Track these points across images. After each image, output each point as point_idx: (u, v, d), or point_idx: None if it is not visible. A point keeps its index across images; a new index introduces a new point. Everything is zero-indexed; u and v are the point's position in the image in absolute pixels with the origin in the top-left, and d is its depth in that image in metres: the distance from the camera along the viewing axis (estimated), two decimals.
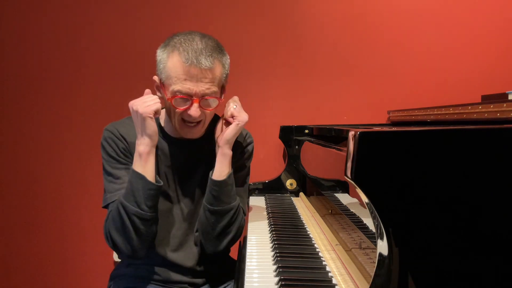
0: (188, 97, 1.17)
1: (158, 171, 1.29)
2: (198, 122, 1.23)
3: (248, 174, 1.44)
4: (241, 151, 1.39)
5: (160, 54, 1.21)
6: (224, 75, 1.24)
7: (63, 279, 2.13)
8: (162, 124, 1.33)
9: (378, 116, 2.01)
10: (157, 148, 1.28)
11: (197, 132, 1.26)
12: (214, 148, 1.33)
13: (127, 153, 1.26)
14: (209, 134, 1.34)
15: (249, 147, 1.41)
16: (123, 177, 1.24)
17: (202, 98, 1.18)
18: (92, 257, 2.08)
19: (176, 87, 1.16)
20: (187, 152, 1.32)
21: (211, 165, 1.32)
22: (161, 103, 1.23)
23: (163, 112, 1.33)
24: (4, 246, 2.12)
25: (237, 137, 1.34)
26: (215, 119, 1.38)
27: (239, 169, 1.38)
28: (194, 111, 1.17)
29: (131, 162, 1.23)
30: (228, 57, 1.26)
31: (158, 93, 1.26)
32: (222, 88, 1.27)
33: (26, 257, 2.12)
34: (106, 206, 1.25)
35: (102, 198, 1.27)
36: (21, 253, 2.12)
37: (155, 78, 1.25)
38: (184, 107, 1.18)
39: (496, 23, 2.00)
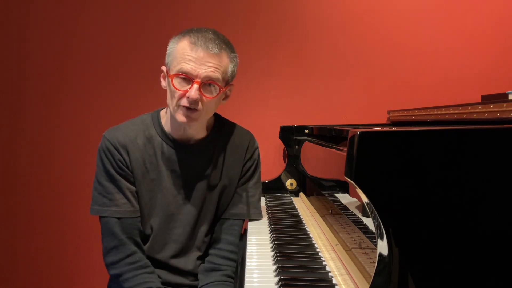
0: (190, 78, 1.16)
1: (160, 176, 1.28)
2: (196, 110, 1.18)
3: (258, 181, 1.43)
4: (248, 158, 1.38)
5: (171, 42, 1.22)
6: (230, 71, 1.23)
7: (63, 279, 2.13)
8: (164, 125, 1.29)
9: (378, 116, 2.01)
10: (160, 151, 1.27)
11: (193, 119, 1.19)
12: (217, 153, 1.32)
13: (124, 166, 1.23)
14: (213, 138, 1.33)
15: (255, 154, 1.40)
16: (114, 193, 1.22)
17: (204, 82, 1.16)
18: (92, 257, 2.08)
19: (180, 66, 1.16)
20: (190, 156, 1.29)
21: (214, 169, 1.31)
22: (167, 93, 1.23)
23: (164, 112, 1.32)
24: (4, 246, 2.12)
25: (241, 142, 1.35)
26: (222, 123, 1.38)
27: (249, 178, 1.39)
28: (194, 92, 1.14)
29: (126, 176, 1.23)
30: (237, 57, 1.26)
31: (164, 83, 1.25)
32: (227, 84, 1.25)
33: (26, 257, 2.12)
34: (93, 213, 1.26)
35: (90, 203, 1.26)
36: (21, 253, 2.12)
37: (163, 68, 1.25)
38: (184, 89, 1.16)
39: (496, 23, 2.00)
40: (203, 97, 1.17)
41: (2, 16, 2.05)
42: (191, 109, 1.17)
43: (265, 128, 2.00)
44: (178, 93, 1.17)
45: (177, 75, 1.16)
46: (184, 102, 1.17)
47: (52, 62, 2.05)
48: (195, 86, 1.15)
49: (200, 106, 1.18)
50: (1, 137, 2.09)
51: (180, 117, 1.18)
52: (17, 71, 2.06)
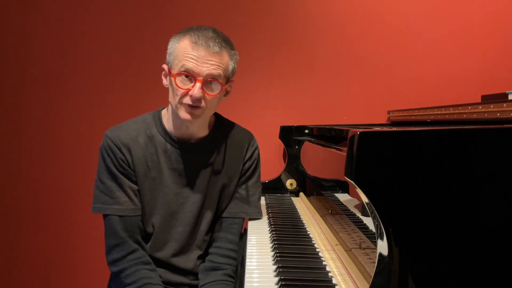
0: (192, 76, 1.17)
1: (162, 175, 1.28)
2: (199, 107, 1.19)
3: (258, 180, 1.43)
4: (249, 157, 1.39)
5: (172, 41, 1.23)
6: (231, 67, 1.24)
7: (64, 279, 2.13)
8: (165, 124, 1.30)
9: (378, 116, 2.01)
10: (161, 150, 1.28)
11: (197, 116, 1.20)
12: (218, 152, 1.33)
13: (125, 165, 1.24)
14: (213, 137, 1.33)
15: (255, 153, 1.41)
16: (116, 191, 1.23)
17: (206, 80, 1.17)
18: (92, 257, 2.08)
19: (182, 64, 1.17)
20: (191, 155, 1.30)
21: (215, 168, 1.32)
22: (168, 92, 1.23)
23: (165, 111, 1.33)
24: (6, 246, 2.13)
25: (241, 142, 1.35)
26: (222, 123, 1.38)
27: (249, 177, 1.39)
28: (197, 91, 1.16)
29: (128, 175, 1.24)
30: (237, 53, 1.27)
31: (165, 81, 1.26)
32: (228, 81, 1.26)
33: (28, 257, 2.12)
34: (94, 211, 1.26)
35: (92, 201, 1.26)
36: (23, 253, 2.12)
37: (164, 66, 1.25)
38: (187, 87, 1.17)
39: (496, 23, 2.00)
40: (206, 95, 1.19)
41: (3, 16, 2.05)
42: (194, 106, 1.19)
43: (265, 128, 2.00)
44: (180, 92, 1.18)
45: (179, 74, 1.17)
46: (187, 100, 1.18)
47: (53, 62, 2.05)
48: (198, 84, 1.16)
49: (203, 103, 1.19)
50: (3, 136, 2.09)
51: (184, 115, 1.20)
52: (19, 70, 2.06)
